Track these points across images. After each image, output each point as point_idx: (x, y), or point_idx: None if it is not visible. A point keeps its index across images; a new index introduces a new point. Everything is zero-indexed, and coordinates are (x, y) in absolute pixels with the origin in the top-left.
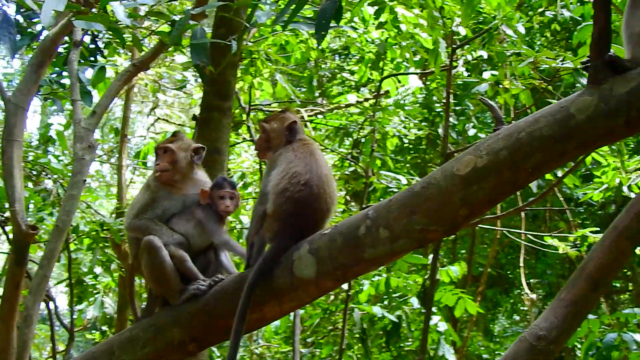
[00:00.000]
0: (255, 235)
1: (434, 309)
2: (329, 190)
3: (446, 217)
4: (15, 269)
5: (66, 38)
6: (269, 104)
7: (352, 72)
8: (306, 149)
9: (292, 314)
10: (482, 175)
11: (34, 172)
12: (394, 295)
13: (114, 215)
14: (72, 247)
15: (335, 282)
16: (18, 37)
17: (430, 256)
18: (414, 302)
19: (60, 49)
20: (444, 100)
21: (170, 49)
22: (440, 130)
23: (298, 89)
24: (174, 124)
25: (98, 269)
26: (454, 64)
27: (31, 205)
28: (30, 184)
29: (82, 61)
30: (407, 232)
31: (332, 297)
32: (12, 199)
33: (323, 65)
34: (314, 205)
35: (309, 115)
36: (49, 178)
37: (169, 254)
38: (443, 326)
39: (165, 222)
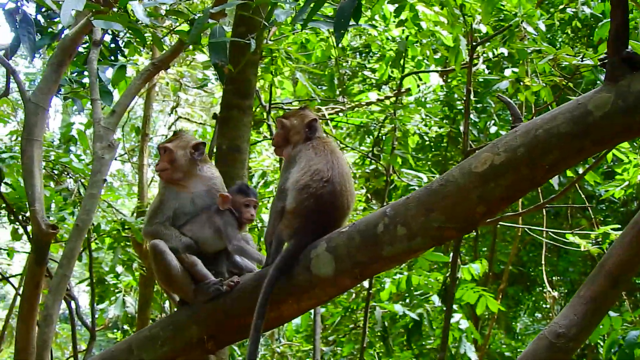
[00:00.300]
0: (273, 233)
1: (455, 307)
2: (350, 188)
3: (463, 215)
4: (35, 269)
5: (86, 37)
6: (290, 103)
7: (372, 70)
8: (326, 146)
9: (312, 312)
10: (500, 172)
11: (55, 172)
12: (415, 293)
13: (135, 215)
14: (93, 246)
15: (353, 280)
16: (38, 36)
17: (452, 254)
18: (435, 300)
19: (81, 49)
20: (465, 98)
21: (190, 47)
22: (461, 128)
23: (319, 87)
24: (195, 122)
25: (119, 268)
26: (475, 61)
27: (52, 205)
28: (52, 184)
29: (102, 60)
30: (425, 229)
31: (353, 296)
32: (32, 198)
33: (344, 64)
34: (336, 202)
35: (329, 114)
36: (71, 177)
37: (179, 259)
38: (464, 324)
39: (181, 226)
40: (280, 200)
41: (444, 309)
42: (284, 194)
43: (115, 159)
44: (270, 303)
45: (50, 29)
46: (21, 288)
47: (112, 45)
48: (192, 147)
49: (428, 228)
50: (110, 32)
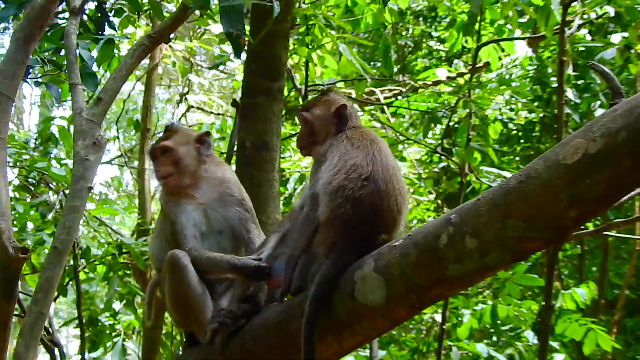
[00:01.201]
0: (302, 252)
1: (555, 345)
2: (399, 186)
3: (550, 221)
4: (2, 305)
5: (64, 5)
6: (333, 83)
7: (441, 40)
8: (364, 135)
9: (366, 351)
10: (596, 164)
11: (32, 180)
12: (503, 328)
13: (135, 235)
14: (82, 276)
15: (410, 309)
16: (1, 5)
17: (546, 274)
18: (530, 336)
19: (58, 20)
20: (557, 72)
21: (197, 14)
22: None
23: (371, 63)
24: (212, 113)
25: (117, 305)
26: (571, 24)
27: (30, 224)
28: (27, 197)
29: (84, 34)
30: (501, 241)
31: (423, 333)
32: None
33: (403, 32)
34: (382, 205)
35: (385, 97)
36: (51, 188)
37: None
38: None
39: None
40: (312, 209)
41: None
42: (315, 201)
43: (111, 164)
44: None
45: None
46: None
47: (98, 15)
48: (196, 140)
49: (505, 239)
50: None
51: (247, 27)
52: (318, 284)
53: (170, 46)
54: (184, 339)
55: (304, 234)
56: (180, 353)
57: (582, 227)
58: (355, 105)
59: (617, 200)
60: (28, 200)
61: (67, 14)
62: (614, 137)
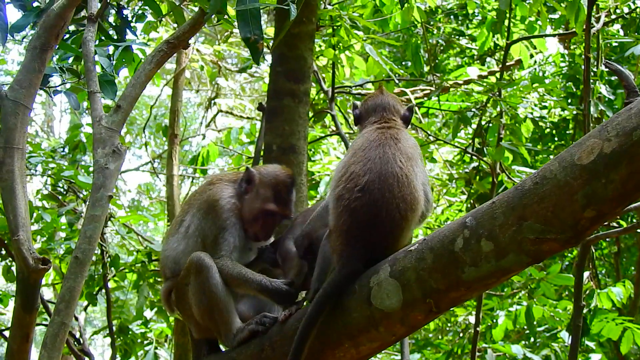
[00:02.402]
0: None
1: (592, 345)
2: (402, 193)
3: (566, 222)
4: (22, 316)
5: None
6: (360, 85)
7: (472, 39)
8: (377, 136)
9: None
10: (611, 163)
11: (60, 189)
12: (538, 329)
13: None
14: (112, 285)
15: (427, 313)
16: (20, 13)
17: (586, 274)
18: (566, 336)
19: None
20: (584, 68)
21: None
22: (592, 110)
23: (402, 63)
24: (242, 116)
25: (148, 313)
26: (606, 18)
27: (61, 234)
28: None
29: (103, 40)
30: (517, 243)
31: (460, 335)
32: (15, 224)
33: (434, 31)
34: (380, 214)
35: (416, 97)
36: (79, 196)
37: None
38: None
39: None
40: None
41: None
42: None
43: (140, 170)
44: (322, 348)
45: (36, 3)
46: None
47: (119, 21)
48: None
49: (521, 241)
50: (114, 4)
51: (272, 30)
52: (324, 288)
53: (198, 50)
54: (199, 348)
55: (325, 240)
56: None
57: (616, 225)
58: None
59: (635, 199)
60: (56, 209)
61: (85, 22)
62: (629, 136)
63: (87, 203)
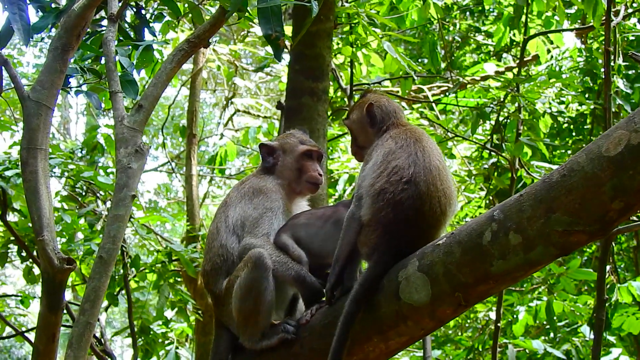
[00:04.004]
0: (347, 250)
1: (612, 339)
2: (443, 187)
3: (594, 214)
4: (48, 316)
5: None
6: (378, 83)
7: (488, 35)
8: (409, 134)
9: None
10: (639, 155)
11: (79, 190)
12: (559, 324)
13: (185, 242)
14: (132, 285)
15: (456, 307)
16: (40, 14)
17: (598, 266)
18: (586, 331)
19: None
20: (604, 62)
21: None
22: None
23: (418, 60)
24: (259, 116)
25: (169, 313)
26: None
27: (80, 234)
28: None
29: (123, 40)
30: (545, 236)
31: (480, 331)
32: (40, 225)
33: (450, 28)
34: (423, 208)
35: (434, 94)
36: (98, 197)
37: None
38: None
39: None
40: (357, 207)
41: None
42: (359, 202)
43: (158, 171)
44: (351, 344)
45: (55, 4)
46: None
47: (138, 21)
48: None
49: (549, 233)
50: (132, 4)
51: (289, 28)
52: (360, 285)
53: (214, 50)
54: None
55: (348, 234)
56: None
57: (636, 219)
58: (404, 103)
59: None
60: (76, 210)
61: (105, 22)
62: None
63: (110, 203)
